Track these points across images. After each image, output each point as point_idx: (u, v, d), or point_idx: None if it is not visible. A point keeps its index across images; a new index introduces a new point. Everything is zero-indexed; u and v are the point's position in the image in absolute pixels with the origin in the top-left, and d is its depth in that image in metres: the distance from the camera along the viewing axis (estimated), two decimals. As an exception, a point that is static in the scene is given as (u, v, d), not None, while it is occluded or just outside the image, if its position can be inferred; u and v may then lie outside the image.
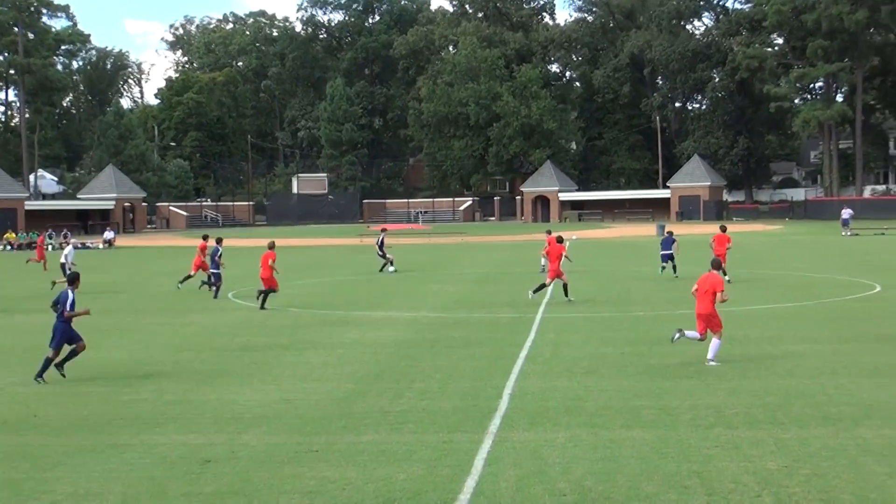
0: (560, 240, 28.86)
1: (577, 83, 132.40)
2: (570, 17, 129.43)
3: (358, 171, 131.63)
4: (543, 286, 27.84)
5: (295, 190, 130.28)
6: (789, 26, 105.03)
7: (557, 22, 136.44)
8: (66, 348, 16.73)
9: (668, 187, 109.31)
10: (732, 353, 18.23)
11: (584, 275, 36.49)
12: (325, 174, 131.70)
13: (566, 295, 27.42)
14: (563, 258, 27.92)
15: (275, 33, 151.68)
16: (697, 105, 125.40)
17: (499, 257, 50.29)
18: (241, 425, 13.28)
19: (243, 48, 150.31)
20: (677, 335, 17.44)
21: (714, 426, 12.73)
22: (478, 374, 16.63)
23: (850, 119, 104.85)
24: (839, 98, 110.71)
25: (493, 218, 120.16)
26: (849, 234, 67.02)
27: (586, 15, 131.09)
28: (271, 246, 28.01)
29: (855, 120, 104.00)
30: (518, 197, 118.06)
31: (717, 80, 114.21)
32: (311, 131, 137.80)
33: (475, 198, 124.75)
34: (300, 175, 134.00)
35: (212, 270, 31.79)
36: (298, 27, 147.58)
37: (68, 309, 16.27)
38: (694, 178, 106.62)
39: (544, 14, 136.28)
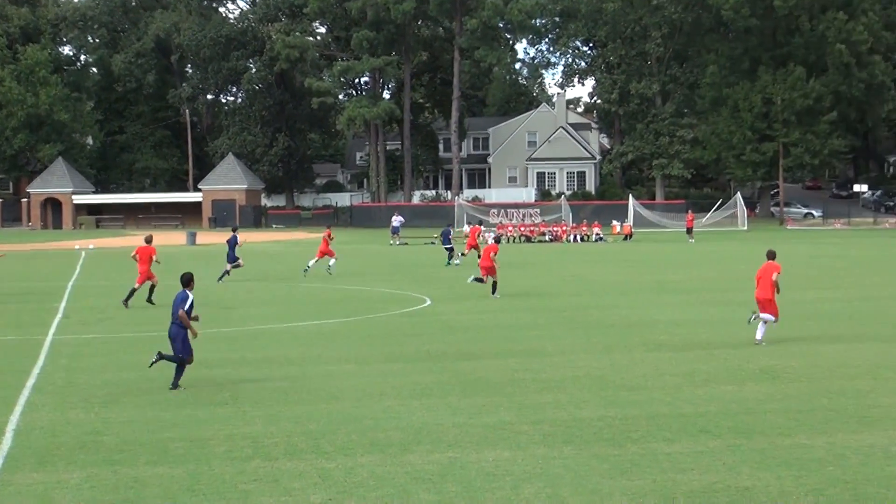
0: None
1: (94, 69, 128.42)
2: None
3: None
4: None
5: None
6: (332, 14, 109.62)
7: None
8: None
9: (199, 190, 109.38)
10: (271, 375, 18.70)
11: (104, 290, 35.66)
12: None
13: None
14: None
15: None
16: (232, 98, 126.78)
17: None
18: None
19: None
20: (753, 317, 21.97)
21: (252, 458, 12.97)
22: (-32, 413, 15.67)
23: (397, 118, 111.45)
24: (386, 95, 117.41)
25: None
26: (398, 242, 71.55)
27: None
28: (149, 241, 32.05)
29: (403, 119, 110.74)
30: (25, 200, 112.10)
31: (254, 70, 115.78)
32: None
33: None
34: None
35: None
36: None
37: (185, 308, 17.14)
38: (229, 181, 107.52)
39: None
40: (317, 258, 43.63)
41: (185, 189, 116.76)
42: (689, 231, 75.23)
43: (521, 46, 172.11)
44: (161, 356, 17.45)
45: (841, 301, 30.91)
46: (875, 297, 31.87)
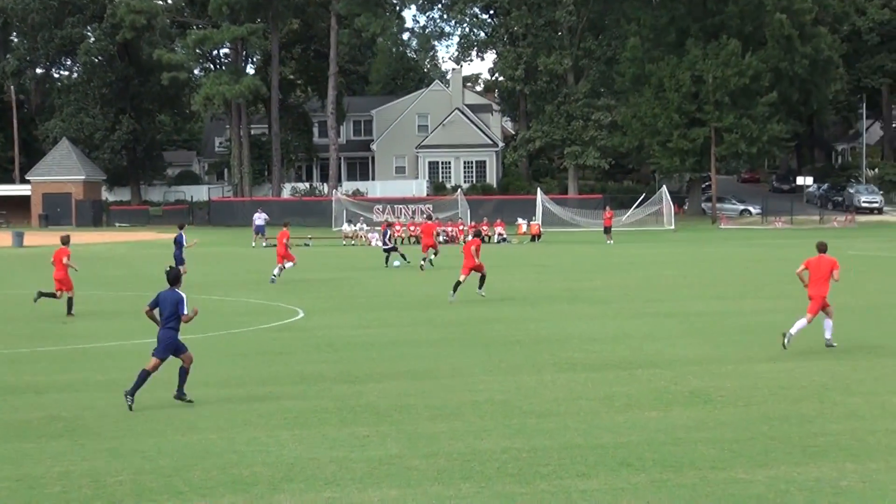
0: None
1: None
2: None
3: None
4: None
5: None
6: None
7: None
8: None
9: (27, 182, 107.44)
10: (115, 401, 18.41)
11: None
12: None
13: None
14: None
15: None
16: (67, 73, 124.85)
17: None
18: None
19: None
20: (787, 339, 23.34)
21: (92, 500, 12.81)
22: None
23: (264, 97, 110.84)
24: (251, 70, 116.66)
25: None
26: (264, 244, 71.92)
27: None
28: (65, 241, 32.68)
29: (270, 98, 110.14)
30: None
31: (92, 40, 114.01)
32: None
33: None
34: None
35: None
36: None
37: (186, 311, 18.32)
38: (63, 171, 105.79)
39: None
40: (279, 265, 43.92)
41: (10, 181, 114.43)
42: (608, 231, 76.19)
43: (409, 13, 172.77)
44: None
45: (783, 312, 31.48)
46: (820, 307, 32.60)
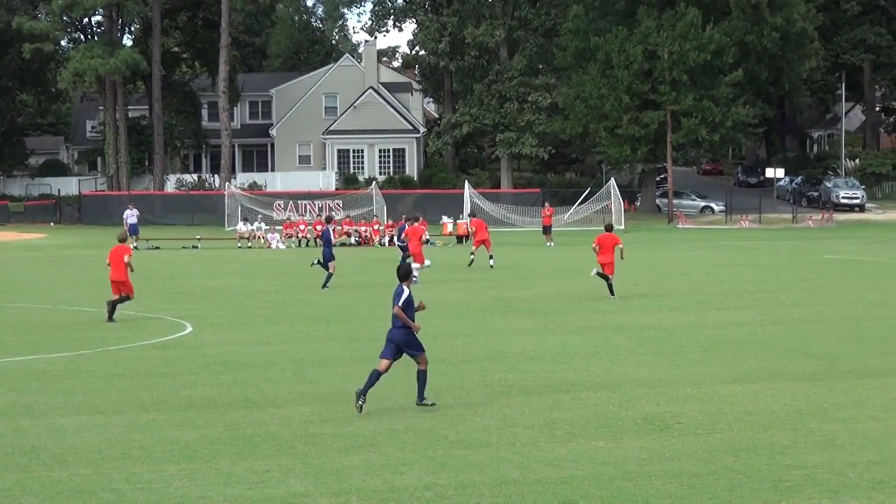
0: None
1: None
2: None
3: None
4: None
5: None
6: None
7: None
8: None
9: None
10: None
11: None
12: None
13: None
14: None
15: None
16: None
17: None
18: None
19: None
20: None
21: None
22: None
23: (144, 73, 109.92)
24: (128, 41, 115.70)
25: None
26: (147, 246, 72.76)
27: None
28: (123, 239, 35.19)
29: (152, 75, 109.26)
30: None
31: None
32: None
33: None
34: None
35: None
36: None
37: (399, 304, 20.40)
38: None
39: None
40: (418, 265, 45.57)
41: None
42: (547, 230, 76.45)
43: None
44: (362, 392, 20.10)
45: (750, 325, 31.85)
46: (795, 321, 32.93)
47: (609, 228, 40.50)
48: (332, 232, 45.99)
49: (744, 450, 17.05)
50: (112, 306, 33.35)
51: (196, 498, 14.65)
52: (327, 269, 43.54)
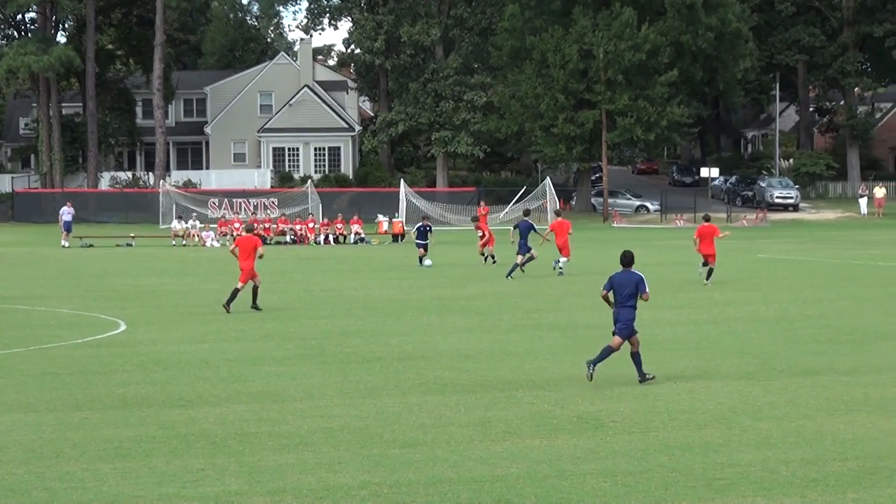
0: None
1: None
2: None
3: None
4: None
5: None
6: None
7: None
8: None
9: None
10: None
11: None
12: None
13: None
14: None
15: None
16: None
17: None
18: None
19: None
20: None
21: None
22: None
23: (78, 70, 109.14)
24: (62, 38, 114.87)
25: None
26: (81, 244, 73.00)
27: None
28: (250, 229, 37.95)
29: (86, 72, 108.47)
30: None
31: None
32: None
33: None
34: None
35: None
36: None
37: (647, 290, 22.43)
38: None
39: None
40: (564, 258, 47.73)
41: None
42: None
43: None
44: (594, 362, 22.37)
45: (684, 324, 32.04)
46: (729, 319, 33.12)
47: (707, 219, 44.40)
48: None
49: (678, 448, 17.16)
50: None
51: (130, 497, 14.60)
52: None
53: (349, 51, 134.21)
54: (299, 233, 78.81)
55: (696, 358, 25.68)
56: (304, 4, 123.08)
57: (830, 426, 18.62)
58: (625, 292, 22.35)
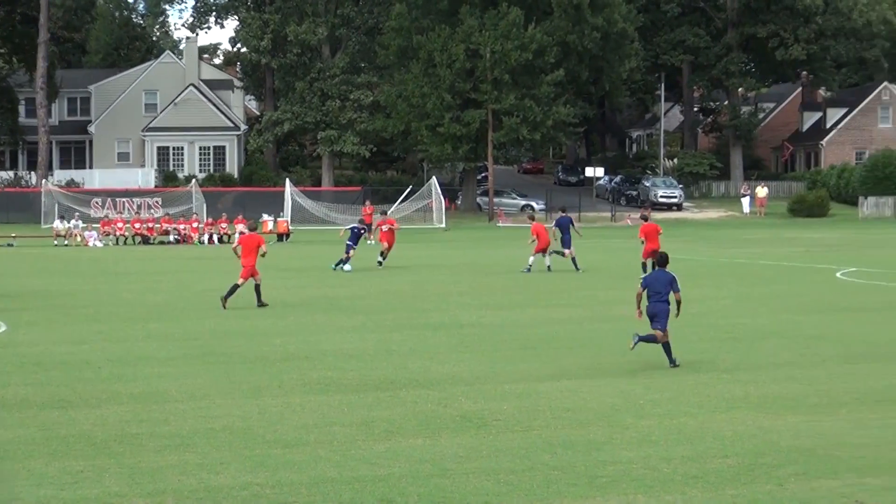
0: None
1: None
2: None
3: None
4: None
5: None
6: None
7: None
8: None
9: None
10: None
11: None
12: None
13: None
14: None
15: None
16: None
17: None
18: None
19: None
20: None
21: None
22: None
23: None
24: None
25: None
26: None
27: None
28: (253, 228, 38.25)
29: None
30: None
31: None
32: None
33: None
34: None
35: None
36: None
37: (680, 290, 24.52)
38: None
39: None
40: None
41: None
42: (368, 228, 76.53)
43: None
44: (641, 338, 24.08)
45: (569, 322, 32.23)
46: (614, 318, 33.32)
47: (645, 219, 45.42)
48: None
49: (561, 446, 17.23)
50: None
51: (6, 500, 14.39)
52: None
53: (235, 49, 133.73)
54: (183, 232, 78.25)
55: (580, 356, 25.84)
56: (191, 3, 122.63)
57: (711, 424, 18.79)
58: (657, 290, 24.43)
